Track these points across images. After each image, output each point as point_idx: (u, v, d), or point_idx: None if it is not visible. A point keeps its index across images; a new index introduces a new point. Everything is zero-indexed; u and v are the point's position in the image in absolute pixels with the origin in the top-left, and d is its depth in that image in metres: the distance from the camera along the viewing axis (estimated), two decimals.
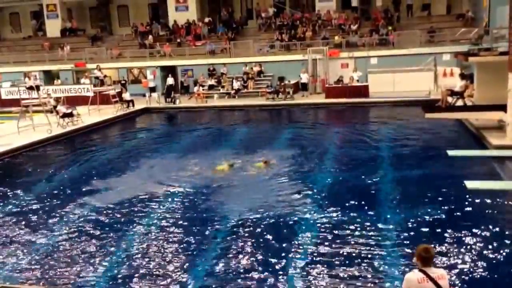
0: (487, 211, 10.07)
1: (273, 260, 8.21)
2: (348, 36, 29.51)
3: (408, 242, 8.55)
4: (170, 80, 29.01)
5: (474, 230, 8.88)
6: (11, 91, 27.05)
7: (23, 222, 10.59)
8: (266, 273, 7.81)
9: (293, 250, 8.57)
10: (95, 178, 13.75)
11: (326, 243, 8.71)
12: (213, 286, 7.57)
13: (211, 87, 29.26)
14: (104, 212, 10.99)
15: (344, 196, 11.15)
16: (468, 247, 8.30)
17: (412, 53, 26.82)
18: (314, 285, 7.42)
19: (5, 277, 8.16)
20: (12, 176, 14.58)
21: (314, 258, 8.21)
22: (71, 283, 7.89)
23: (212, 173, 13.41)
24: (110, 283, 7.85)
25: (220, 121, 24.80)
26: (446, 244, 8.39)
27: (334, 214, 10.02)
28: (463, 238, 8.62)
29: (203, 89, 28.50)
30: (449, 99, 17.41)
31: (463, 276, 7.41)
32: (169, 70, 30.61)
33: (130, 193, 12.08)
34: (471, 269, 7.61)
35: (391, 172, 13.11)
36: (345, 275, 7.59)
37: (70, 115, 21.39)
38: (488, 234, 8.74)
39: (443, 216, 9.63)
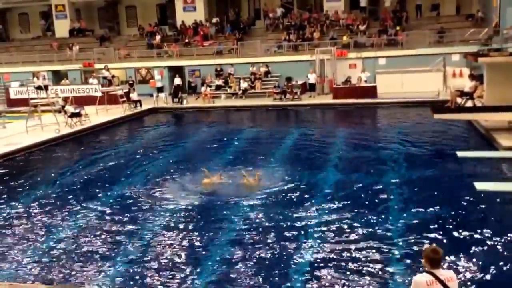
0: (497, 212, 9.98)
1: (279, 263, 8.15)
2: (356, 37, 29.35)
3: (416, 243, 8.45)
4: (177, 80, 29.00)
5: (484, 232, 8.78)
6: (20, 91, 27.20)
7: (29, 222, 10.60)
8: (271, 276, 7.75)
9: (299, 250, 8.50)
10: (101, 178, 13.74)
11: (332, 244, 8.64)
12: None
13: (218, 87, 29.24)
14: (108, 213, 10.96)
15: (351, 197, 11.05)
16: (478, 249, 8.19)
17: (421, 53, 26.57)
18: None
19: (9, 274, 8.17)
20: (19, 176, 14.59)
21: (320, 260, 8.13)
22: (72, 282, 7.90)
23: (202, 186, 12.48)
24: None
25: (227, 121, 24.74)
26: (455, 246, 8.28)
27: (341, 215, 9.93)
28: (473, 240, 8.52)
29: (210, 89, 28.48)
30: (459, 100, 17.23)
31: (472, 278, 7.31)
32: (176, 70, 30.62)
33: (132, 196, 12.05)
34: (480, 271, 7.50)
35: (400, 173, 12.99)
36: (352, 278, 7.50)
37: (78, 114, 21.47)
38: (498, 235, 8.61)
39: (452, 218, 9.53)
